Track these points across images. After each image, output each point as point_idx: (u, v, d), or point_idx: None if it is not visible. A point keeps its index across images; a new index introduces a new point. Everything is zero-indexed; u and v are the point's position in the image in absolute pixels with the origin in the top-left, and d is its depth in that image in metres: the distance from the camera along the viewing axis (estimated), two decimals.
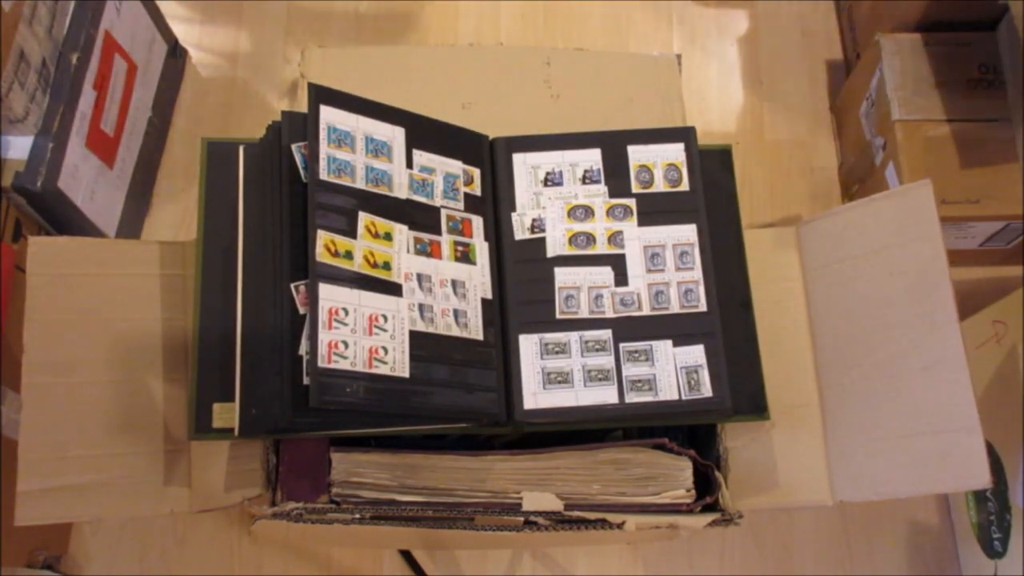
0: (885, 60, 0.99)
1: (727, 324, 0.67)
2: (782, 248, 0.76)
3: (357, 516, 0.63)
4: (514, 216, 0.70)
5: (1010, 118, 0.96)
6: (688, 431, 0.75)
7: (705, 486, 0.67)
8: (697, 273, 0.68)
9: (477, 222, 0.69)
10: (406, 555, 0.95)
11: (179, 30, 1.12)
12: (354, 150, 0.66)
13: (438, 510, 0.64)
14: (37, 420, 0.64)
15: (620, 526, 0.63)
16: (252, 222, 0.67)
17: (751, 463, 0.70)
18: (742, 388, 0.68)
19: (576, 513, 0.63)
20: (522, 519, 0.64)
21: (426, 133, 0.70)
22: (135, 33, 0.99)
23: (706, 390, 0.65)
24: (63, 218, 0.88)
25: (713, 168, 0.73)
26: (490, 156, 0.72)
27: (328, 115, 0.66)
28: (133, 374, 0.68)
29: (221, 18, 1.19)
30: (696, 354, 0.66)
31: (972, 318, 0.93)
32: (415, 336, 0.63)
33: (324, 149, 0.64)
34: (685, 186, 0.70)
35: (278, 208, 0.66)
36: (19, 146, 0.83)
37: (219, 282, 0.66)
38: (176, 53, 1.11)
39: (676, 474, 0.66)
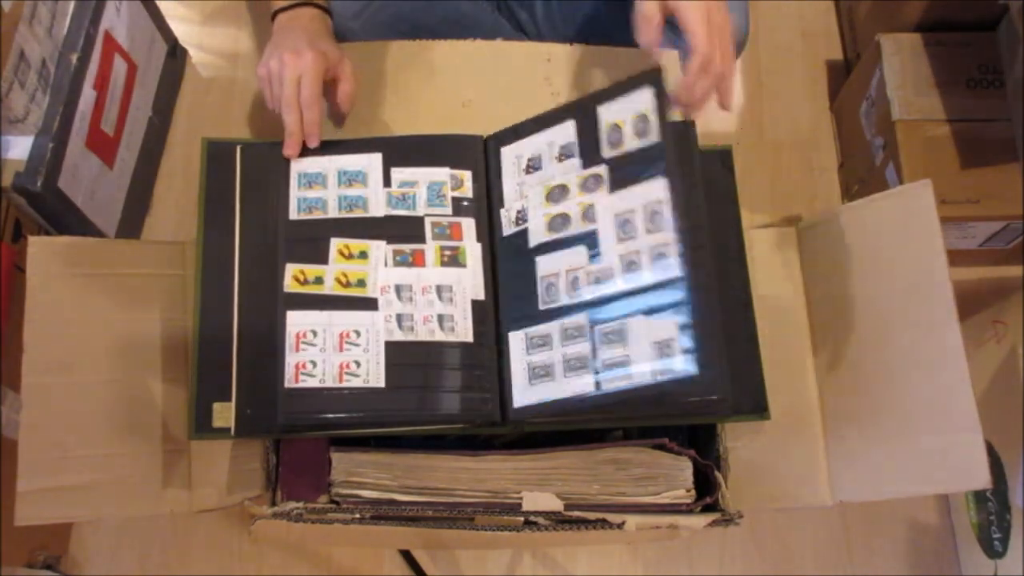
0: (885, 60, 0.99)
1: (727, 324, 0.67)
2: (782, 248, 0.76)
3: (357, 516, 0.63)
4: (502, 212, 0.69)
5: (1010, 118, 0.96)
6: (688, 431, 0.75)
7: (705, 486, 0.67)
8: (668, 234, 0.61)
9: (468, 224, 0.68)
10: (406, 555, 0.95)
11: (179, 30, 1.12)
12: (326, 186, 0.67)
13: (438, 510, 0.64)
14: (37, 420, 0.64)
15: (620, 526, 0.63)
16: (251, 222, 0.67)
17: (751, 463, 0.70)
18: (742, 388, 0.67)
19: (576, 513, 0.63)
20: (522, 519, 0.64)
21: (405, 151, 0.70)
22: (135, 33, 0.99)
23: (686, 366, 0.58)
24: (63, 218, 0.88)
25: (713, 168, 0.73)
26: (485, 156, 0.72)
27: (298, 165, 0.67)
28: (133, 374, 0.67)
29: (221, 18, 1.19)
30: (669, 328, 0.59)
31: (972, 318, 0.93)
32: (392, 346, 0.63)
33: (295, 193, 0.66)
34: (655, 136, 0.64)
35: (277, 208, 0.66)
36: (19, 146, 0.83)
37: (219, 282, 0.66)
38: (176, 53, 1.11)
39: (676, 474, 0.66)
